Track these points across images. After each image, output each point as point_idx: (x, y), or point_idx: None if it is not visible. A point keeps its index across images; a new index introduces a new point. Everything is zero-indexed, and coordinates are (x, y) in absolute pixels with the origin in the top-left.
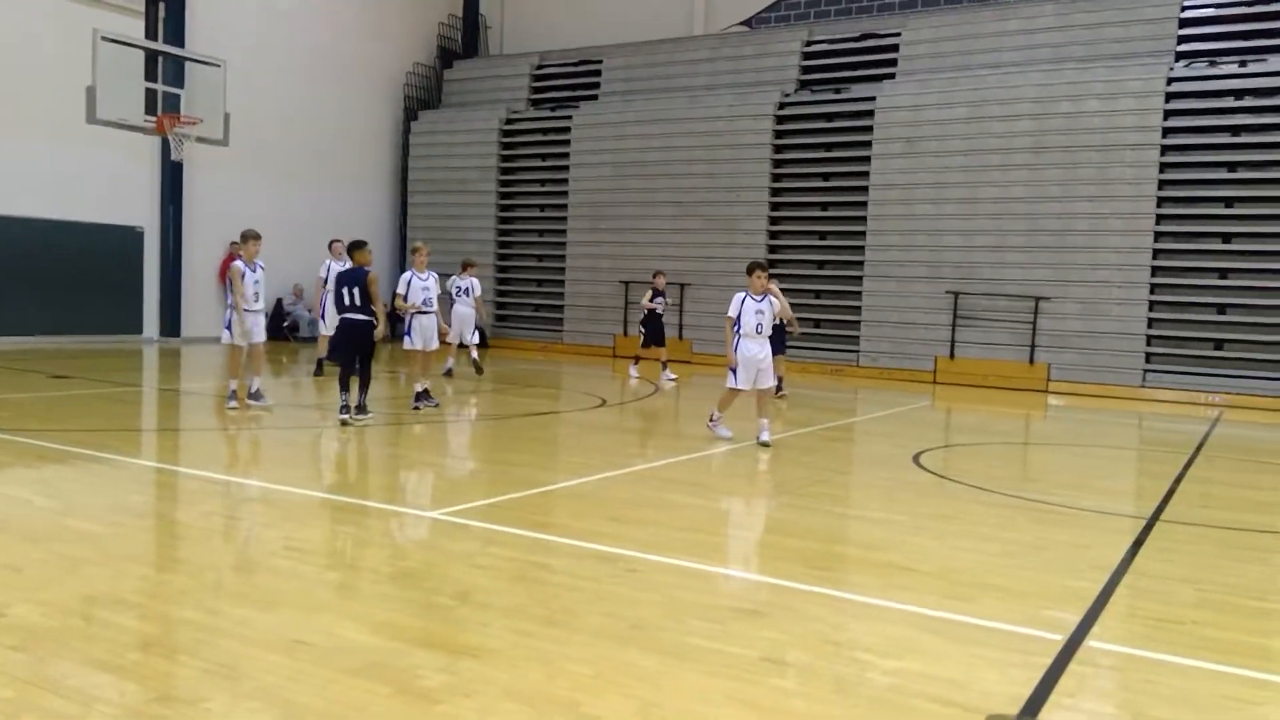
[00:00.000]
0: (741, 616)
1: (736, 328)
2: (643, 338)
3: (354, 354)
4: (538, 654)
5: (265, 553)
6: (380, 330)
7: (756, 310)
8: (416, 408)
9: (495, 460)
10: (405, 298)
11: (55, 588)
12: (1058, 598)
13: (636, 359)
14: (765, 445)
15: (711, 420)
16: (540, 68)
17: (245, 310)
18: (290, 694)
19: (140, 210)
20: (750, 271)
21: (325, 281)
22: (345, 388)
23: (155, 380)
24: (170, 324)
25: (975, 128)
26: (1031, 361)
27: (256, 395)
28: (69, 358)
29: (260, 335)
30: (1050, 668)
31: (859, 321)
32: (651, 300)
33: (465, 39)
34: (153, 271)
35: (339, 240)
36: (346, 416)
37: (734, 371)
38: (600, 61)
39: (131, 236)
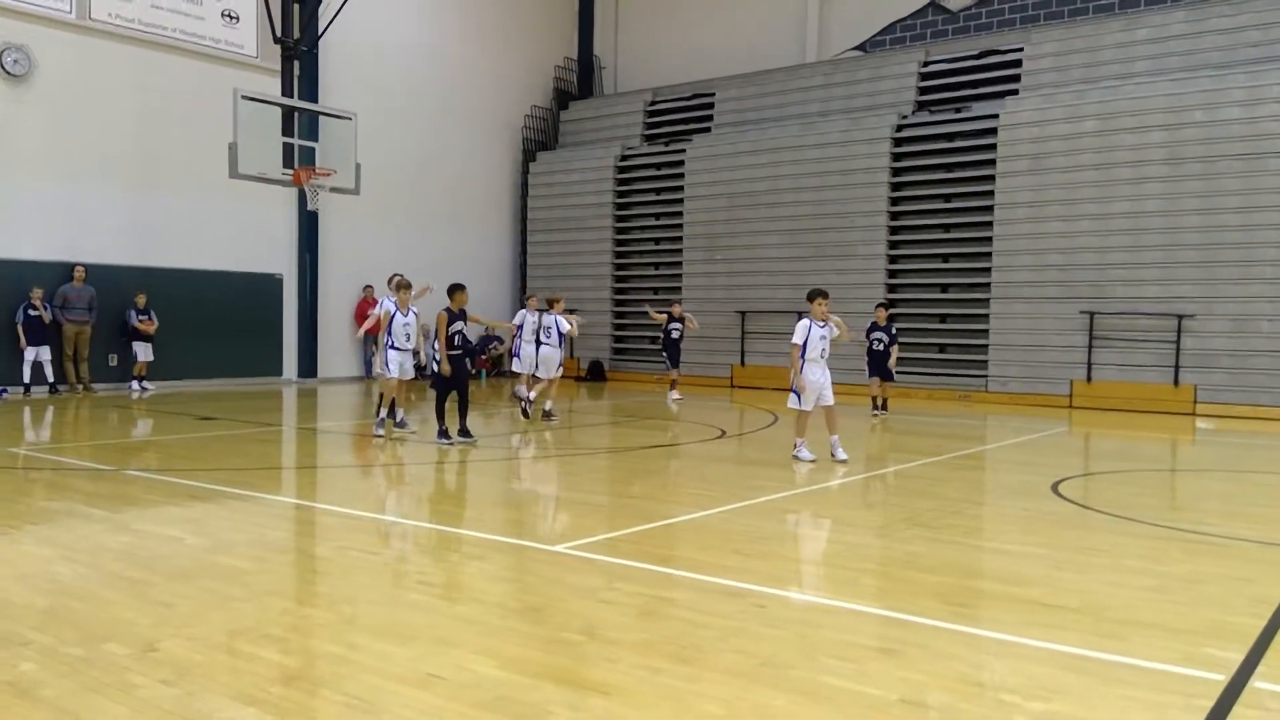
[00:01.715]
0: (877, 655)
1: (802, 354)
2: (667, 361)
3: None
4: (667, 691)
5: (398, 587)
6: (445, 368)
7: (820, 337)
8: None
9: (616, 493)
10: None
11: (203, 623)
12: (1217, 635)
13: (673, 384)
14: (843, 461)
15: (795, 448)
16: (653, 104)
17: (397, 349)
18: None
19: (279, 258)
20: (812, 299)
21: (520, 327)
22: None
23: (294, 420)
24: (307, 366)
25: (1105, 140)
26: (1176, 383)
27: (403, 424)
28: (215, 400)
29: (410, 373)
30: (1213, 710)
31: (987, 345)
32: (668, 325)
33: (580, 80)
34: (291, 316)
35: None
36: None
37: (797, 395)
38: (713, 94)
39: (271, 283)
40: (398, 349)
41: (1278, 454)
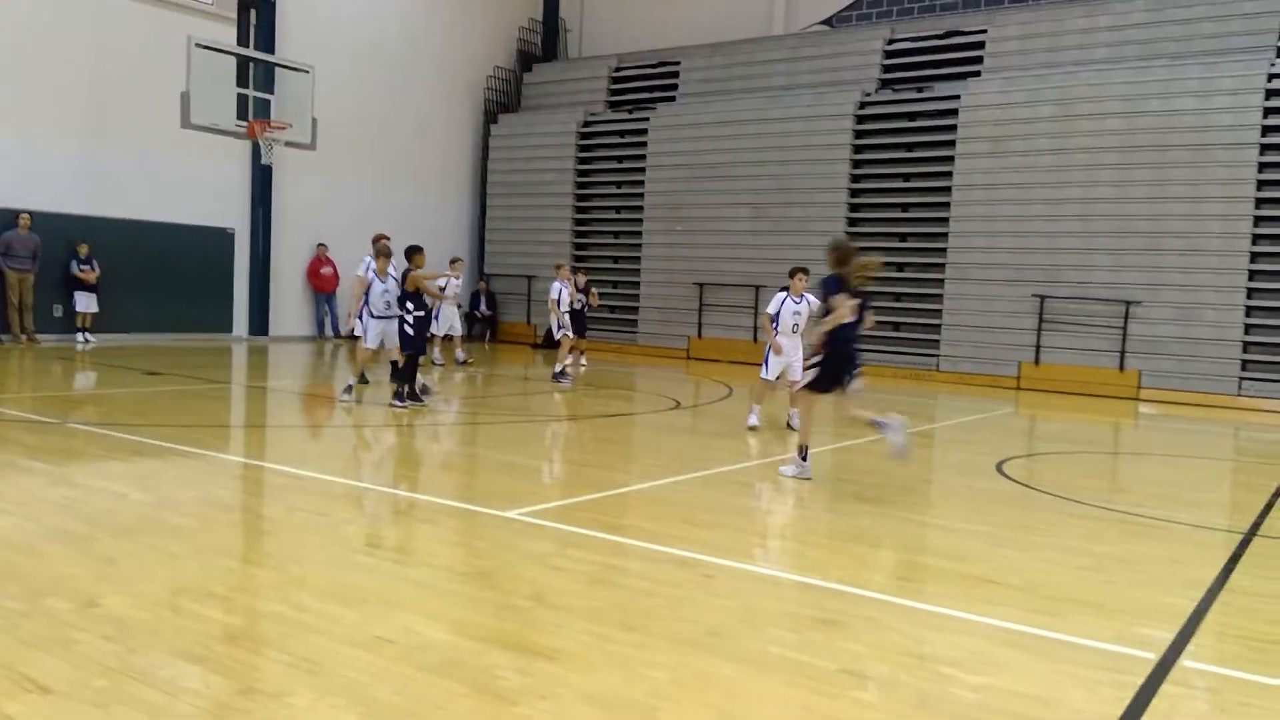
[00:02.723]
0: (820, 626)
1: (775, 325)
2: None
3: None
4: (615, 658)
5: (347, 549)
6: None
7: (794, 311)
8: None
9: (570, 461)
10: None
11: (147, 580)
12: (1149, 614)
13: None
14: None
15: (750, 412)
16: (618, 70)
17: (376, 318)
18: (371, 690)
19: (231, 212)
20: (793, 274)
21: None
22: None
23: (244, 377)
24: (258, 323)
25: (1063, 126)
26: (1122, 368)
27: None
28: (162, 355)
29: (393, 341)
30: (1142, 687)
31: (940, 326)
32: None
33: (545, 42)
34: (242, 271)
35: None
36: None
37: (766, 363)
38: (678, 63)
39: (223, 238)
40: (377, 318)
41: (1217, 440)
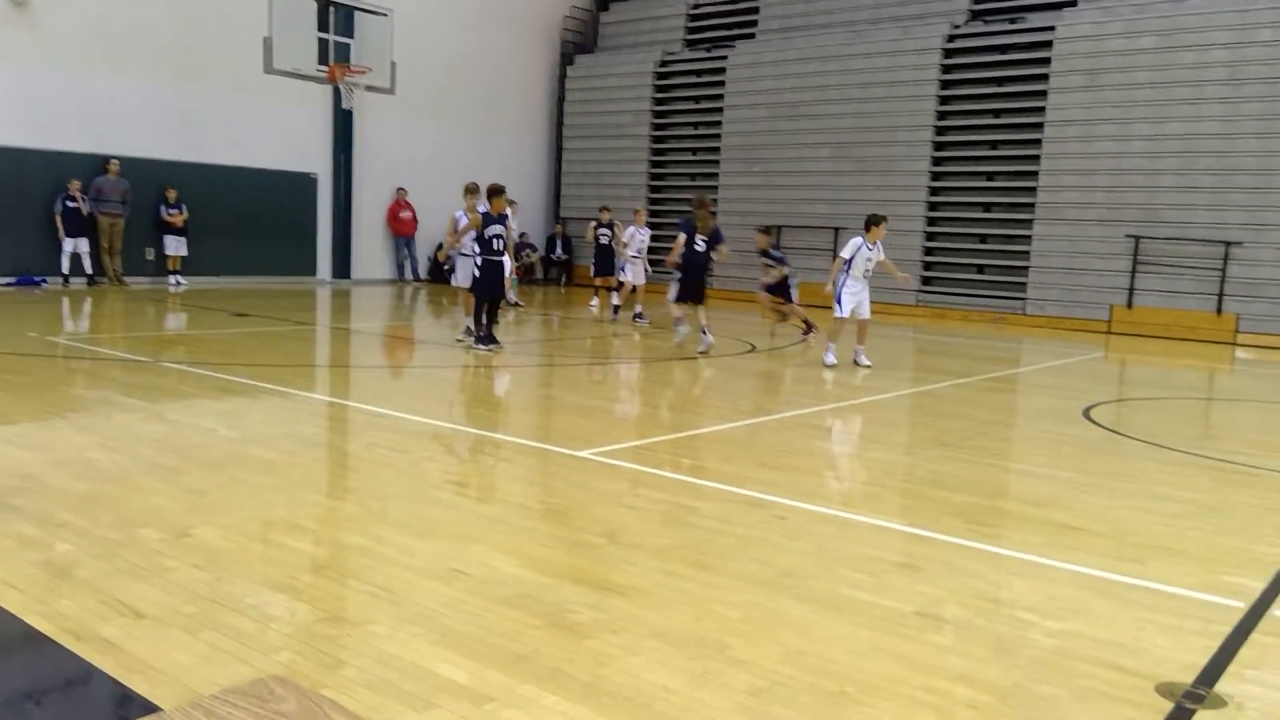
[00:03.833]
0: (895, 569)
1: (846, 268)
2: (593, 267)
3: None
4: (686, 595)
5: (426, 484)
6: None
7: (867, 257)
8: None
9: (644, 403)
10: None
11: (235, 512)
12: (1240, 563)
13: (597, 290)
14: (867, 367)
15: (825, 350)
16: (696, 7)
17: (461, 254)
18: (448, 620)
19: (314, 157)
20: (876, 223)
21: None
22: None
23: (327, 319)
24: (341, 266)
25: (1164, 59)
26: (1219, 312)
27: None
28: (249, 297)
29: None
30: (1230, 637)
31: (1027, 268)
32: (596, 232)
33: None
34: (325, 216)
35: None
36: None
37: (839, 302)
38: None
39: (306, 182)
40: (461, 255)
41: None
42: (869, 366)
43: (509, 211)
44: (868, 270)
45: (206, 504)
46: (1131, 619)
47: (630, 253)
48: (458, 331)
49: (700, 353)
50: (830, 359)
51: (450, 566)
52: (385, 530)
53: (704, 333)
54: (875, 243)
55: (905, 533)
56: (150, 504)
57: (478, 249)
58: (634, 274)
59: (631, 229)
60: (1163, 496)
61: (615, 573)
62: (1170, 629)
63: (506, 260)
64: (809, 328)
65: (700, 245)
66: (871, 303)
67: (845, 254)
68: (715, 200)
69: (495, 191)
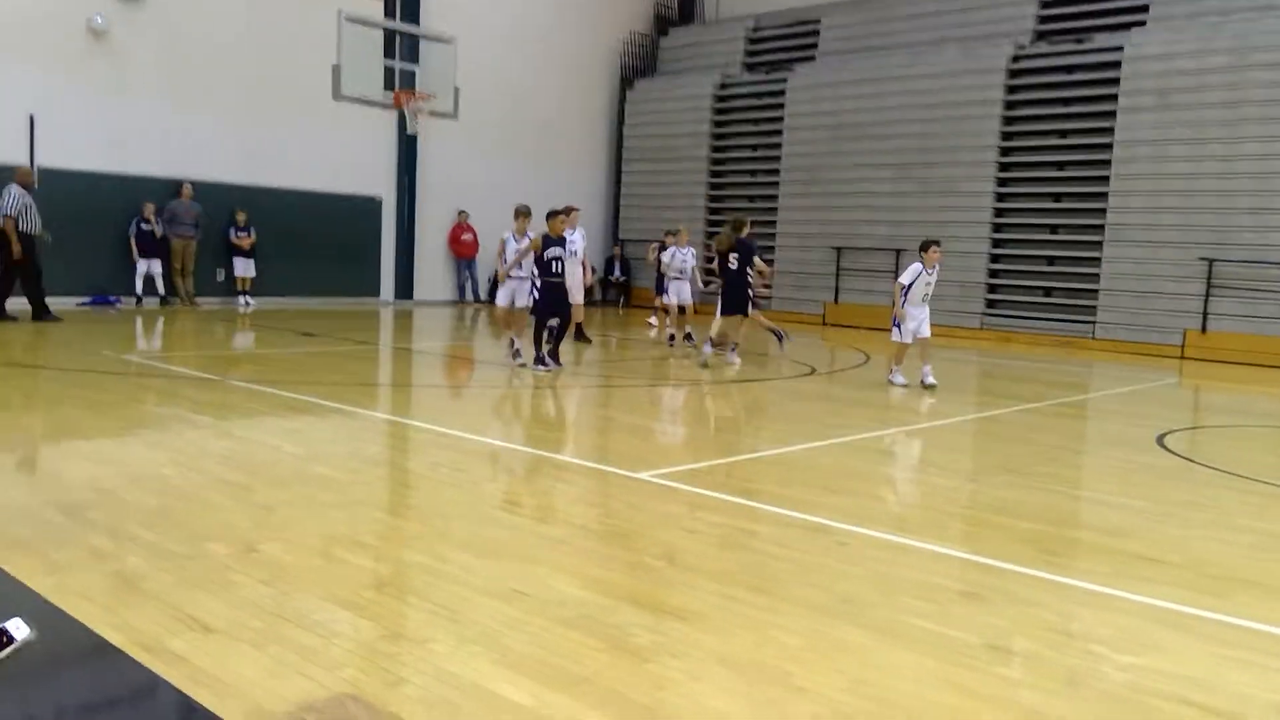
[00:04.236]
0: (961, 599)
1: (905, 293)
2: (656, 286)
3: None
4: (746, 621)
5: (486, 504)
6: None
7: (926, 282)
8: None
9: (702, 425)
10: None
11: (300, 528)
12: None
13: (655, 310)
14: (931, 387)
15: (890, 373)
16: (756, 30)
17: (510, 277)
18: (508, 640)
19: (379, 181)
20: (927, 247)
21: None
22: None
23: (391, 339)
24: (404, 287)
25: (1237, 77)
26: None
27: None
28: (315, 317)
29: (522, 300)
30: None
31: (1096, 291)
32: (658, 254)
33: (681, 5)
34: (389, 238)
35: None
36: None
37: (899, 328)
38: (818, 21)
39: (371, 205)
40: (512, 278)
41: None
42: (934, 386)
43: (571, 227)
44: (926, 295)
45: (273, 520)
46: (1208, 654)
47: (673, 273)
48: (506, 352)
49: (701, 365)
50: (899, 379)
51: (511, 586)
52: (447, 549)
53: (732, 350)
54: (934, 266)
55: (969, 560)
56: (218, 519)
57: (536, 271)
58: (679, 294)
59: (673, 249)
60: (1242, 528)
61: (675, 596)
62: (1249, 665)
63: (577, 278)
64: (779, 337)
65: (733, 263)
66: (933, 325)
67: (905, 280)
68: (774, 222)
69: (553, 214)
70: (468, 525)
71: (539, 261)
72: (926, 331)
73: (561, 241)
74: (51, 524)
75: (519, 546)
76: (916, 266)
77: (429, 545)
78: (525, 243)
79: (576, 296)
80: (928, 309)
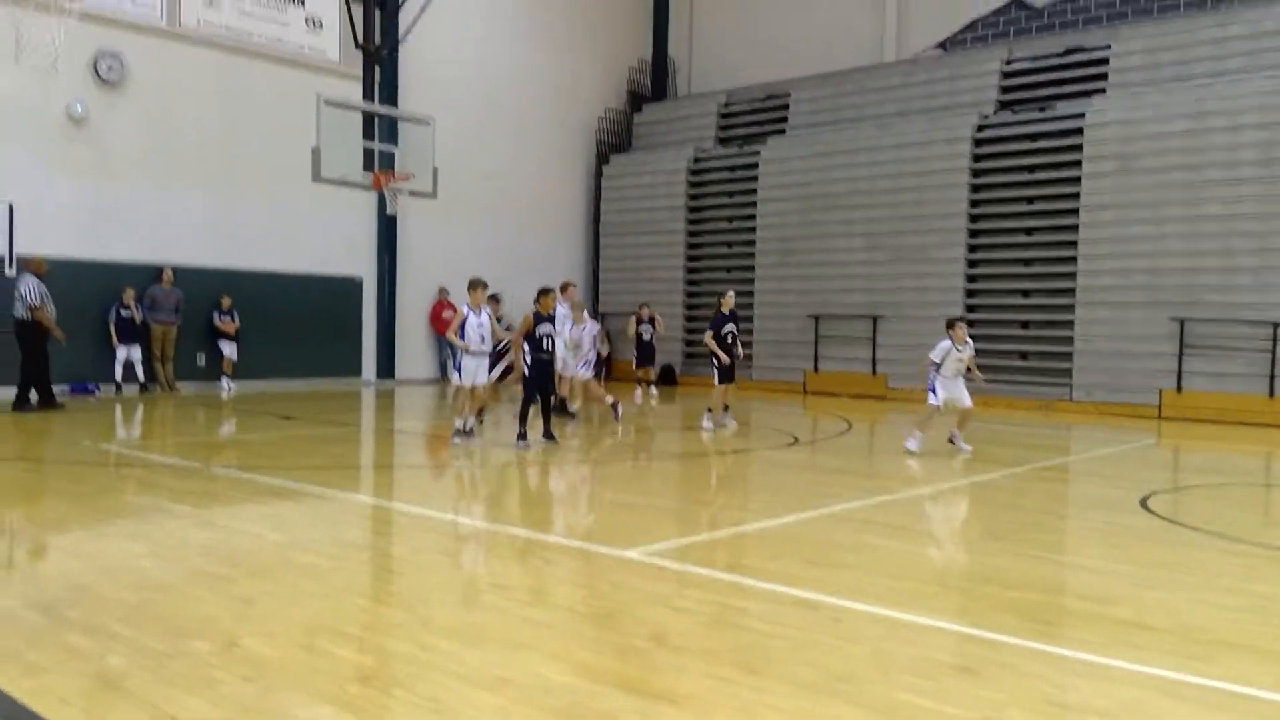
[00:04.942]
0: (956, 673)
1: (935, 369)
2: (635, 360)
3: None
4: (738, 702)
5: (471, 588)
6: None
7: (958, 358)
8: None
9: (688, 499)
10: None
11: (283, 620)
12: None
13: (639, 381)
14: (966, 452)
15: (909, 437)
16: (727, 105)
17: (471, 353)
18: None
19: (359, 261)
20: (953, 325)
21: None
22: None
23: (372, 421)
24: (385, 367)
25: (1196, 141)
26: (1271, 394)
27: (469, 432)
28: (296, 400)
29: (483, 377)
30: None
31: (1070, 353)
32: (638, 329)
33: (654, 81)
34: (370, 318)
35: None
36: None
37: (934, 391)
38: (788, 95)
39: (351, 286)
40: (473, 354)
41: None
42: (968, 452)
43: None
44: (959, 370)
45: (254, 613)
46: None
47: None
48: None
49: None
50: (913, 445)
51: (497, 674)
52: (431, 637)
53: (714, 414)
54: (964, 342)
55: (962, 633)
56: (199, 613)
57: (527, 348)
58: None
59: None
60: (1228, 589)
61: (665, 679)
62: None
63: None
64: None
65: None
66: (913, 389)
67: (935, 357)
68: (752, 292)
69: (544, 291)
70: (452, 611)
71: (530, 339)
72: (967, 401)
73: (552, 318)
74: (27, 623)
75: (505, 631)
76: (946, 344)
77: (413, 633)
78: (485, 316)
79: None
80: (962, 381)
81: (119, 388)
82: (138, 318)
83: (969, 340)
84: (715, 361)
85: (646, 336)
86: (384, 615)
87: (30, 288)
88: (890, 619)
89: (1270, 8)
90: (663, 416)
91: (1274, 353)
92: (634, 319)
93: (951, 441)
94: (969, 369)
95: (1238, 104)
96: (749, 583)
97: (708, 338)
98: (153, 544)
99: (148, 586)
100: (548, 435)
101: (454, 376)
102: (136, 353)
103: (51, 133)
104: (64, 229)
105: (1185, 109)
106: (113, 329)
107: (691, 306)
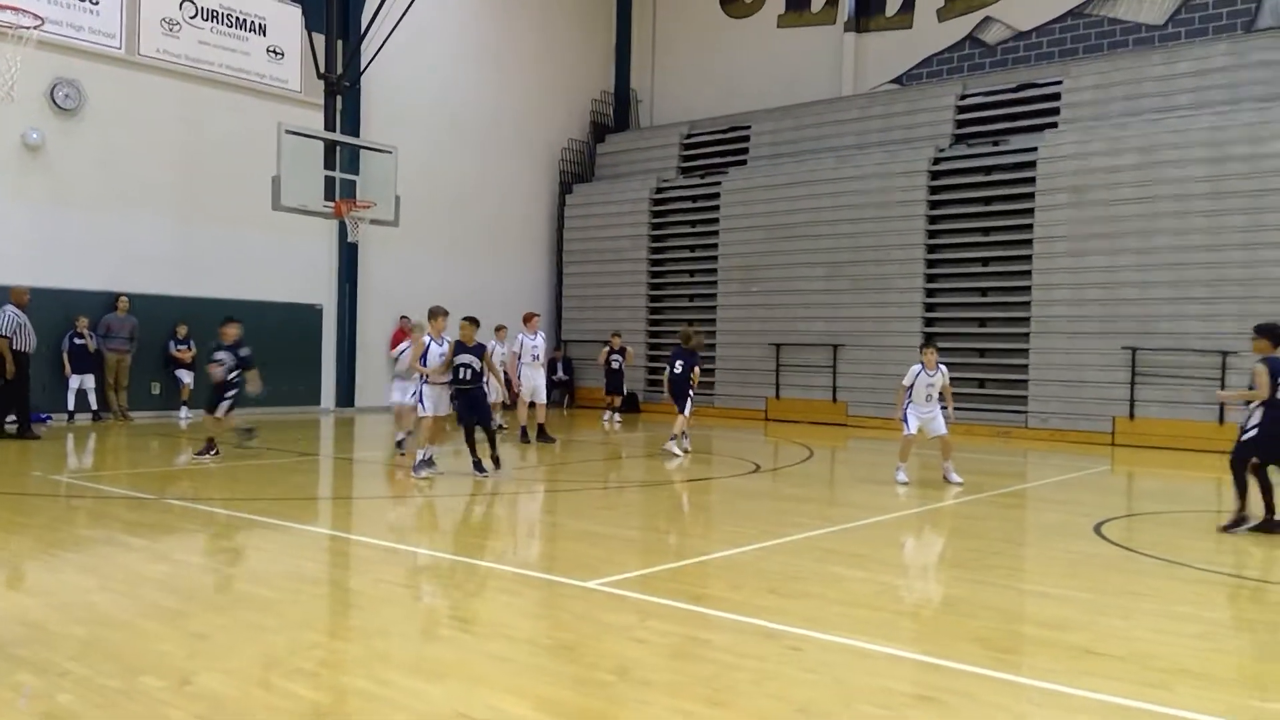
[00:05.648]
0: (917, 703)
1: (909, 395)
2: (605, 387)
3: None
4: None
5: (431, 621)
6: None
7: (928, 383)
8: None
9: (649, 528)
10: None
11: (238, 656)
12: (1268, 686)
13: (606, 408)
14: (959, 484)
15: (897, 470)
16: (689, 136)
17: (431, 383)
18: None
19: (319, 289)
20: (924, 349)
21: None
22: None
23: (331, 449)
24: (345, 395)
25: (1147, 174)
26: (1221, 421)
27: (431, 462)
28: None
29: (445, 408)
30: None
31: (1026, 381)
32: (609, 358)
33: (617, 112)
34: (330, 346)
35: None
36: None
37: (906, 421)
38: (749, 127)
39: (311, 314)
40: (434, 383)
41: None
42: (960, 483)
43: (533, 332)
44: (929, 395)
45: (209, 648)
46: None
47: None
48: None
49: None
50: (901, 476)
51: (458, 710)
52: (389, 672)
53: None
54: (935, 368)
55: (922, 662)
56: (153, 649)
57: (448, 379)
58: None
59: (521, 336)
60: (1183, 616)
61: (627, 712)
62: None
63: (540, 380)
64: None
65: (677, 368)
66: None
67: (906, 381)
68: (714, 320)
69: (468, 320)
70: (411, 645)
71: (452, 368)
72: (943, 429)
73: (478, 349)
74: None
75: (464, 666)
76: (916, 368)
77: (370, 669)
78: (446, 345)
79: (540, 397)
80: (936, 408)
81: (71, 416)
82: (91, 346)
83: (941, 367)
84: (691, 394)
85: (616, 365)
86: (340, 650)
87: (6, 318)
88: (851, 648)
89: (1214, 44)
90: (627, 444)
91: (1223, 380)
92: (606, 348)
93: (946, 479)
94: (943, 396)
95: (1186, 138)
96: (711, 613)
97: (695, 374)
98: (104, 578)
99: (100, 622)
100: (495, 462)
101: (419, 408)
102: (90, 381)
103: (7, 160)
104: (18, 257)
105: (1135, 143)
106: (65, 357)
107: (654, 334)
